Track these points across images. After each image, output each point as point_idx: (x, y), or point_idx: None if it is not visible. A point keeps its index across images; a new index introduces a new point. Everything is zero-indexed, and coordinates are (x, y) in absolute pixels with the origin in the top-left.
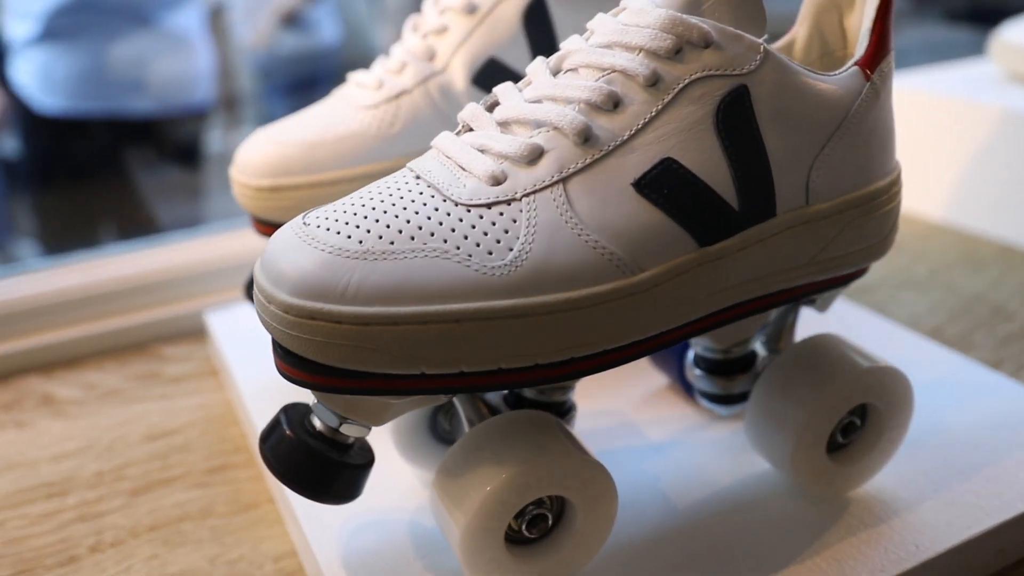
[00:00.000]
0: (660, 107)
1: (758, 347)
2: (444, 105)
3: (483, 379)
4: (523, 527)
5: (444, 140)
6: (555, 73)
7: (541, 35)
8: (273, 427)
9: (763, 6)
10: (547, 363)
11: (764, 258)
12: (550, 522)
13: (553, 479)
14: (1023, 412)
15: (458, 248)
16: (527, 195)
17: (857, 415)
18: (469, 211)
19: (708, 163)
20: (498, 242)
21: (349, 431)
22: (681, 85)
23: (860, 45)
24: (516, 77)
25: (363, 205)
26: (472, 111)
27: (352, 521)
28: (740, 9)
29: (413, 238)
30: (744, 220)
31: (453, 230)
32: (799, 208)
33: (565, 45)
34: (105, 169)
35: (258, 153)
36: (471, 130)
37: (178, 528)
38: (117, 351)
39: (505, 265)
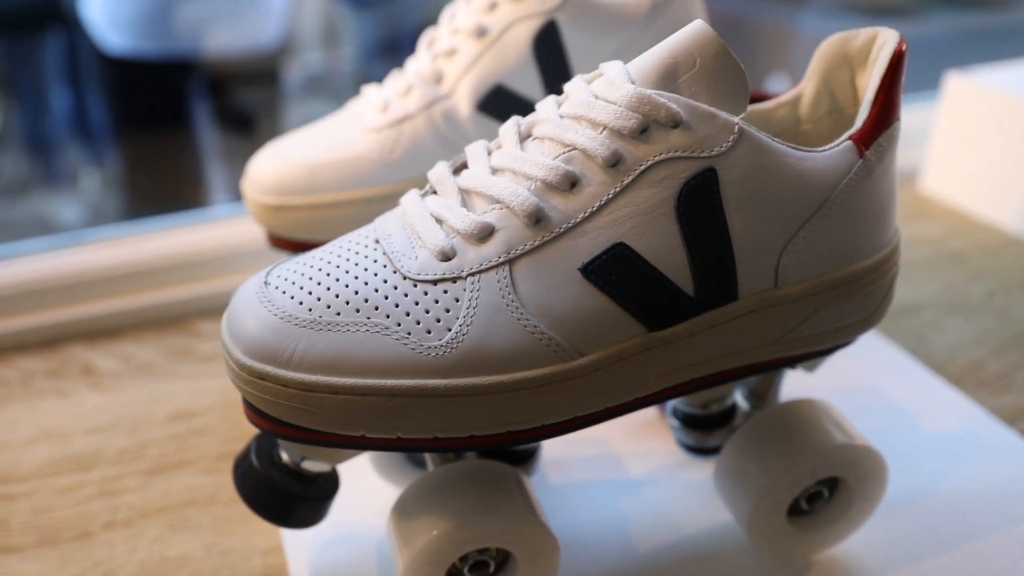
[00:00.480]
0: (618, 189)
1: (740, 399)
2: (448, 131)
3: (420, 443)
4: (465, 569)
5: (410, 200)
6: (524, 138)
7: (552, 61)
8: (245, 455)
9: (746, 79)
10: (483, 435)
11: (722, 340)
12: (491, 569)
13: (495, 535)
14: None
15: (399, 325)
16: (472, 274)
17: (826, 486)
18: (416, 286)
19: (663, 249)
20: (438, 321)
21: (311, 467)
22: (643, 167)
23: (860, 115)
24: (522, 104)
25: (320, 269)
26: (439, 173)
27: (326, 533)
28: (720, 83)
29: (359, 311)
30: (700, 306)
31: (397, 305)
32: (765, 291)
33: (540, 107)
34: (168, 118)
35: (267, 169)
36: (435, 193)
37: (184, 513)
38: (157, 323)
39: (441, 346)
